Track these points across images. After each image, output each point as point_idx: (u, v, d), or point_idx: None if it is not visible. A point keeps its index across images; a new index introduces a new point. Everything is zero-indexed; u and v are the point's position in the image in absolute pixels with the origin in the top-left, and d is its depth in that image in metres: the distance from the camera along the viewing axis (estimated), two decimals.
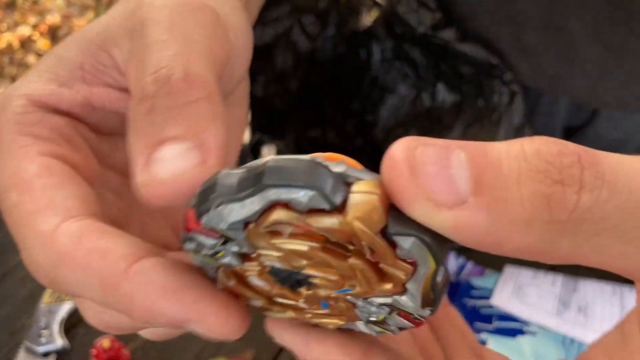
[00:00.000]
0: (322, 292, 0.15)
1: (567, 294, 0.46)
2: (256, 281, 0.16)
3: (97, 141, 0.21)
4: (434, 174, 0.13)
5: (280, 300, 0.16)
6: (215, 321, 0.15)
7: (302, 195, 0.12)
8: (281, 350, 0.49)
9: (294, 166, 0.13)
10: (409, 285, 0.14)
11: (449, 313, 0.23)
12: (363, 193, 0.13)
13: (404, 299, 0.15)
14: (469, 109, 0.51)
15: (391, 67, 0.54)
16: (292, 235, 0.13)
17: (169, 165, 0.15)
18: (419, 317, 0.16)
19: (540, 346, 0.40)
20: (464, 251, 0.53)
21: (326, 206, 0.12)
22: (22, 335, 0.50)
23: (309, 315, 0.17)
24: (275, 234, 0.13)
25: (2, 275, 0.55)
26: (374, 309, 0.16)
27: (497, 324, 0.42)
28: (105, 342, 0.48)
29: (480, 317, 0.43)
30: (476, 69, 0.48)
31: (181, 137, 0.16)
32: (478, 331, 0.41)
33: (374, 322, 0.17)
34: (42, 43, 2.35)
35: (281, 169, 0.13)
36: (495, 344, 0.40)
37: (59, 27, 2.45)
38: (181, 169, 0.15)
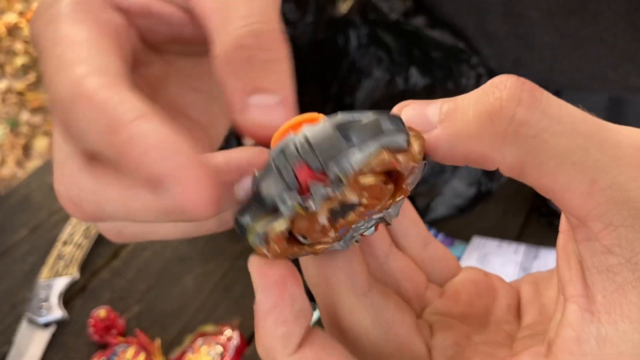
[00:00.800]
0: (355, 217, 0.18)
1: (528, 261, 0.50)
2: (323, 220, 0.18)
3: (139, 47, 0.22)
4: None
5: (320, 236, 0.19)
6: (191, 187, 0.15)
7: (402, 140, 0.17)
8: None
9: (386, 118, 0.17)
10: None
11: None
12: (414, 137, 0.17)
13: (391, 209, 0.19)
14: (439, 91, 0.55)
15: (367, 52, 0.58)
16: (368, 175, 0.17)
17: (260, 112, 0.18)
18: (389, 222, 0.20)
19: None
20: (437, 224, 0.57)
21: (405, 146, 0.17)
22: (23, 308, 0.53)
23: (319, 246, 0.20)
24: (364, 174, 0.17)
25: (3, 252, 0.58)
26: (368, 224, 0.20)
27: None
28: (101, 312, 0.51)
29: None
30: (445, 53, 0.52)
31: (272, 90, 0.18)
32: None
33: (354, 238, 0.20)
34: (28, 30, 2.34)
35: (379, 120, 0.17)
36: None
37: None
38: (270, 118, 0.18)
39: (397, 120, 0.17)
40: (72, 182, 0.19)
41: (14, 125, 1.94)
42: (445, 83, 0.54)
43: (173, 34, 0.22)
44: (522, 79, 0.17)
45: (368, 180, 0.17)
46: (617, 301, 0.16)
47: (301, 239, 0.19)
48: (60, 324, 0.52)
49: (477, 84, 0.53)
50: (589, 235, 0.16)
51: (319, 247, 0.19)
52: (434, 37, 0.50)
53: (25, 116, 1.99)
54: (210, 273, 0.56)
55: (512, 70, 0.53)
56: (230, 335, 0.48)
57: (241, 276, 0.56)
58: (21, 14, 2.40)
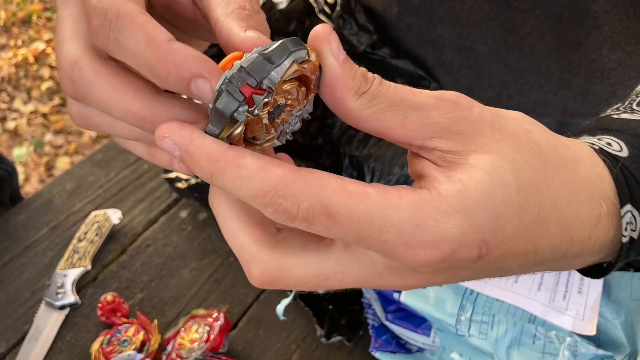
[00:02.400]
0: (285, 116, 0.26)
1: None
2: (265, 121, 0.26)
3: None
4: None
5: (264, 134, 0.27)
6: (214, 82, 0.24)
7: (304, 53, 0.24)
8: (251, 305, 0.61)
9: (290, 42, 0.24)
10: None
11: None
12: (311, 50, 0.25)
13: (307, 106, 0.27)
14: None
15: None
16: (287, 82, 0.25)
17: (254, 38, 0.26)
18: (309, 117, 0.28)
19: (442, 293, 0.51)
20: None
21: (306, 57, 0.24)
22: (41, 294, 0.62)
23: (267, 143, 0.28)
24: (285, 82, 0.25)
25: (26, 247, 0.67)
26: (294, 121, 0.27)
27: None
28: (108, 296, 0.59)
29: None
30: (408, 80, 0.60)
31: (258, 30, 0.27)
32: None
33: (287, 134, 0.28)
34: (55, 57, 2.47)
35: (286, 44, 0.24)
36: (407, 293, 0.51)
37: None
38: (261, 40, 0.27)
39: (297, 40, 0.25)
40: (75, 63, 0.26)
41: (38, 146, 2.05)
42: None
43: (172, 7, 0.31)
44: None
45: (288, 86, 0.25)
46: (454, 164, 0.25)
47: (253, 141, 0.27)
48: (73, 307, 0.61)
49: None
50: (417, 150, 0.26)
51: (266, 144, 0.27)
52: (397, 66, 0.59)
53: (48, 137, 2.11)
54: (204, 268, 0.64)
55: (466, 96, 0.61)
56: (217, 316, 0.56)
57: (230, 271, 0.64)
58: (48, 42, 2.54)
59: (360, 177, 0.63)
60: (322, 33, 0.25)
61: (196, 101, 0.27)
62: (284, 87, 0.25)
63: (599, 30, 0.52)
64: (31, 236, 0.68)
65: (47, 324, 0.59)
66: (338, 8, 0.61)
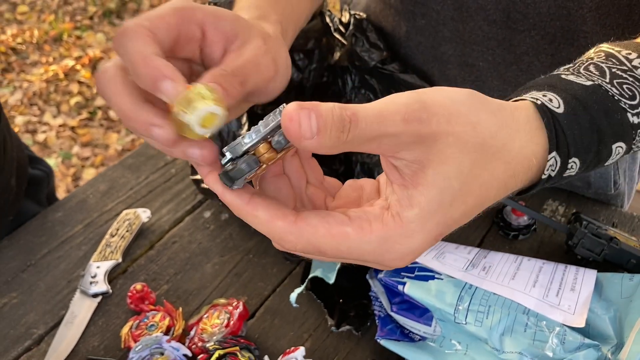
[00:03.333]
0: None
1: (478, 259, 0.62)
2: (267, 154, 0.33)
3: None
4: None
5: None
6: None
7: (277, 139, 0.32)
8: (267, 297, 0.66)
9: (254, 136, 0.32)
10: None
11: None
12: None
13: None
14: None
15: (359, 93, 0.72)
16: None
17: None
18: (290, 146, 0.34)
19: (443, 286, 0.55)
20: None
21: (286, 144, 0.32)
22: (76, 283, 0.68)
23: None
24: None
25: (63, 241, 0.73)
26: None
27: (416, 273, 0.58)
28: (138, 286, 0.65)
29: (406, 269, 0.59)
30: None
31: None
32: (402, 277, 0.57)
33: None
34: (84, 73, 2.57)
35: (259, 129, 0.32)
36: (412, 285, 0.56)
37: (99, 59, 2.67)
38: None
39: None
40: (106, 68, 0.37)
41: (66, 157, 2.14)
42: None
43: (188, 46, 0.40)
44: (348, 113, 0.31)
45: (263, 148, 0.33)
46: (415, 180, 0.31)
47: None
48: (105, 295, 0.66)
49: None
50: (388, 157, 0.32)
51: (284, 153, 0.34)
52: (405, 80, 0.65)
53: (76, 149, 2.19)
54: (225, 263, 0.69)
55: None
56: (236, 304, 0.61)
57: (250, 266, 0.69)
58: (78, 59, 2.65)
59: None
60: (289, 115, 0.29)
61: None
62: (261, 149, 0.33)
63: (589, 49, 0.57)
64: (67, 232, 0.74)
65: (81, 310, 0.65)
66: (351, 27, 0.67)
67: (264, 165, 0.33)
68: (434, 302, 0.55)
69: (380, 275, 0.58)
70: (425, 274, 0.58)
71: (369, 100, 0.72)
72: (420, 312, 0.57)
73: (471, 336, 0.54)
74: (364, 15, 0.68)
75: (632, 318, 0.54)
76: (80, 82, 2.50)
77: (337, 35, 0.70)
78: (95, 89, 0.39)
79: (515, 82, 0.62)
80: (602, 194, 0.71)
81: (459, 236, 0.70)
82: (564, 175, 0.38)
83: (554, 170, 0.37)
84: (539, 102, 0.36)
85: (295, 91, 0.74)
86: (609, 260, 0.63)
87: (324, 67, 0.73)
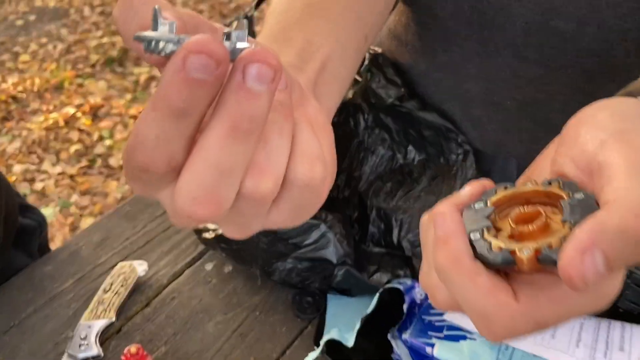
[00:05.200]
0: None
1: None
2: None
3: None
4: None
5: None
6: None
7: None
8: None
9: None
10: None
11: None
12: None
13: None
14: (432, 166, 0.63)
15: (372, 133, 0.67)
16: None
17: None
18: None
19: (478, 348, 0.49)
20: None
21: None
22: (64, 347, 0.61)
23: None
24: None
25: (50, 298, 0.66)
26: None
27: (445, 332, 0.52)
28: (132, 349, 0.58)
29: (434, 328, 0.52)
30: (435, 132, 0.61)
31: None
32: (429, 337, 0.51)
33: None
34: (84, 121, 2.54)
35: None
36: (441, 347, 0.50)
37: (100, 106, 2.65)
38: None
39: None
40: None
41: (64, 206, 2.08)
42: (438, 158, 0.63)
43: None
44: None
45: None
46: None
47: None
48: (95, 359, 0.60)
49: (465, 159, 0.61)
50: None
51: None
52: (425, 118, 0.60)
53: (74, 198, 2.14)
54: (229, 321, 0.63)
55: (495, 150, 0.61)
56: None
57: (256, 325, 0.62)
58: (78, 106, 2.63)
59: (388, 229, 0.62)
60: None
61: None
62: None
63: (629, 82, 0.52)
64: (56, 288, 0.68)
65: None
66: (366, 62, 0.62)
67: None
68: None
69: (405, 336, 0.52)
70: (455, 334, 0.52)
71: (384, 140, 0.67)
72: None
73: None
74: (380, 50, 0.63)
75: None
76: (80, 130, 2.47)
77: None
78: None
79: (547, 123, 0.57)
80: None
81: None
82: None
83: None
84: None
85: None
86: None
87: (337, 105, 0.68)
